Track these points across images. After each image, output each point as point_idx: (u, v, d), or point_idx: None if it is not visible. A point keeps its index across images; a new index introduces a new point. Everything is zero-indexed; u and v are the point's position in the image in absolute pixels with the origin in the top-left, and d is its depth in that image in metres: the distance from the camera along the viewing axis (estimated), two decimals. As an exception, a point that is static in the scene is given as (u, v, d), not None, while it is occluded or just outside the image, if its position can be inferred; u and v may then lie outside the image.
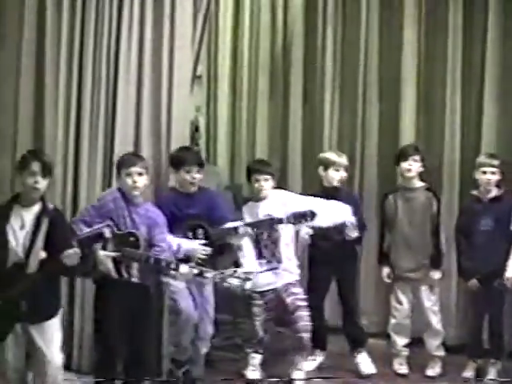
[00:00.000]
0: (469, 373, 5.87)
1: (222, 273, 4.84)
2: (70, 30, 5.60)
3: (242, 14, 7.61)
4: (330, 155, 6.03)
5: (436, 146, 6.65)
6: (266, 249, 5.61)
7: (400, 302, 5.98)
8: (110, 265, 4.81)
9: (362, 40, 6.87)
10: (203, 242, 5.29)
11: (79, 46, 5.61)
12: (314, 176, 6.10)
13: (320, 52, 7.01)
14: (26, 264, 4.43)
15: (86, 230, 4.81)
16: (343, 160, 5.96)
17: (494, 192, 5.75)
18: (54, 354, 4.58)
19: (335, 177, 5.90)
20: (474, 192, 5.87)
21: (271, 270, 5.59)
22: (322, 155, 6.11)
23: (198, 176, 5.40)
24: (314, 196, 5.69)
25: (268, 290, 5.62)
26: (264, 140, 7.42)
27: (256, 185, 5.67)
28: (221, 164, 7.40)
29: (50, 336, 4.58)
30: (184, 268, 4.80)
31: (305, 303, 5.60)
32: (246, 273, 4.90)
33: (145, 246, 4.92)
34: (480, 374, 5.84)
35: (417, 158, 5.92)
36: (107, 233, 4.76)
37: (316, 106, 7.05)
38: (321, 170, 5.96)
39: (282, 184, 6.15)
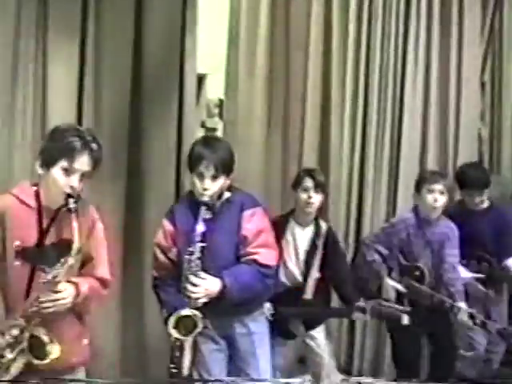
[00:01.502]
0: None
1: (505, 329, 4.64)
2: (357, 33, 5.64)
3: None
4: None
5: None
6: None
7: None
8: (392, 294, 4.76)
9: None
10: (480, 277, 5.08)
11: (366, 50, 5.64)
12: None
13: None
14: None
15: (377, 257, 4.79)
16: None
17: None
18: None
19: None
20: None
21: None
22: None
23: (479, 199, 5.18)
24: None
25: None
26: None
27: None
28: (505, 172, 7.11)
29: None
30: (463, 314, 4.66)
31: None
32: None
33: (430, 281, 4.82)
34: None
35: None
36: (405, 320, 4.45)
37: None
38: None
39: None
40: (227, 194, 3.81)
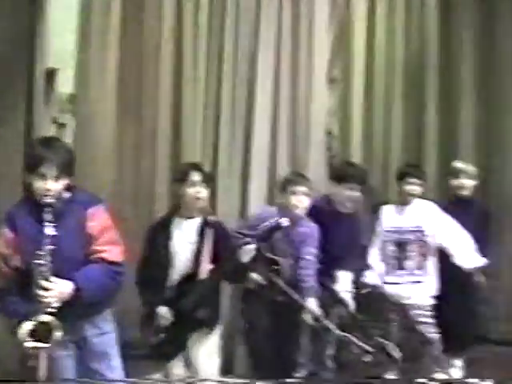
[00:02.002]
0: None
1: (346, 337, 4.67)
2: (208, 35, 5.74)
3: (376, 15, 7.53)
4: (457, 163, 5.87)
5: None
6: (411, 260, 5.49)
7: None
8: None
9: (499, 42, 6.69)
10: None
11: (218, 51, 5.73)
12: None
13: (456, 53, 6.89)
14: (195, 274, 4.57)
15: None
16: (470, 168, 5.79)
17: None
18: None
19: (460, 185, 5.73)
20: None
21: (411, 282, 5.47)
22: (452, 164, 5.96)
23: (357, 195, 5.29)
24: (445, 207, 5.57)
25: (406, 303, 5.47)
26: (398, 145, 7.33)
27: (407, 187, 5.54)
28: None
29: (213, 343, 4.70)
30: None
31: (428, 319, 5.45)
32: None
33: (288, 277, 4.93)
34: None
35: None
36: (285, 222, 4.78)
37: (452, 113, 6.91)
38: (450, 178, 5.82)
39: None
40: (68, 194, 3.78)
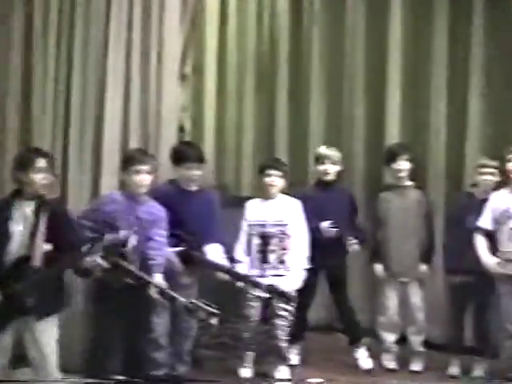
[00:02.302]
0: (453, 369, 5.92)
1: (192, 303, 4.69)
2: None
3: (227, 13, 7.65)
4: (321, 149, 6.08)
5: (421, 144, 6.68)
6: (274, 254, 5.60)
7: (389, 299, 6.03)
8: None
9: (348, 40, 6.91)
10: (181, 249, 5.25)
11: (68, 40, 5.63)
12: (301, 174, 6.13)
13: (306, 51, 7.07)
14: (30, 257, 4.47)
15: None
16: (334, 153, 6.00)
17: (490, 193, 5.75)
18: (50, 351, 4.60)
19: (324, 170, 5.95)
20: (470, 190, 5.96)
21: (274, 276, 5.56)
22: (316, 150, 6.15)
23: (198, 173, 5.37)
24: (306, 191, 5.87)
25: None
26: (250, 139, 7.47)
27: (267, 179, 5.66)
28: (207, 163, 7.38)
29: (50, 333, 4.59)
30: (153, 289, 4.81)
31: (286, 313, 5.60)
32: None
33: (134, 258, 4.93)
34: (466, 370, 5.90)
35: (407, 157, 5.96)
36: (133, 241, 4.83)
37: (302, 104, 7.10)
38: (315, 164, 6.03)
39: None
40: None
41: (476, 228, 5.61)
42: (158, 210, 5.10)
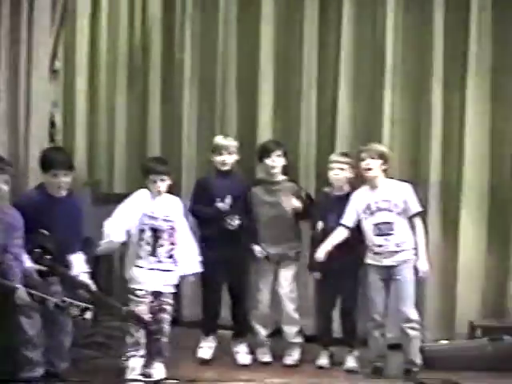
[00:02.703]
0: (323, 361, 6.04)
1: (64, 301, 4.65)
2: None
3: (100, 8, 7.57)
4: (218, 139, 6.11)
5: (292, 140, 6.73)
6: (162, 248, 5.59)
7: (262, 293, 6.10)
8: None
9: (220, 37, 6.94)
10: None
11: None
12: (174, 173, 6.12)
13: (178, 49, 7.07)
14: None
15: None
16: (231, 143, 6.04)
17: (345, 189, 5.95)
18: None
19: (221, 160, 5.99)
20: (326, 189, 6.10)
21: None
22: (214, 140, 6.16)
23: (65, 180, 5.23)
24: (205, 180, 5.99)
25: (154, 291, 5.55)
26: (123, 135, 7.42)
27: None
28: (79, 159, 7.30)
29: None
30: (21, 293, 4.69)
31: (170, 307, 5.62)
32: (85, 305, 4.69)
33: None
34: (338, 361, 6.04)
35: (280, 153, 6.04)
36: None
37: (175, 103, 7.10)
38: (212, 155, 6.05)
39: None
40: None
41: (339, 225, 5.78)
42: (15, 218, 4.93)
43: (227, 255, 5.89)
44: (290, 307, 6.09)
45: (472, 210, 6.41)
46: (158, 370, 5.62)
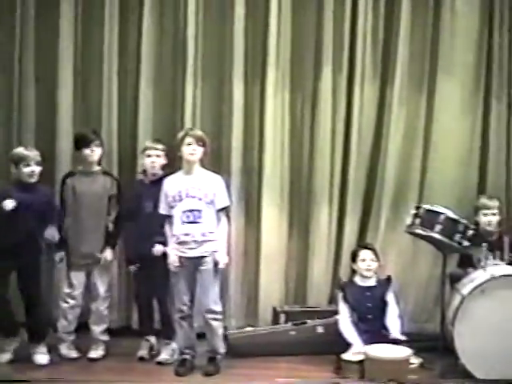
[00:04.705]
0: (143, 351, 6.04)
1: None
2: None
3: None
4: (20, 151, 5.83)
5: (94, 126, 6.50)
6: None
7: (74, 288, 5.98)
8: None
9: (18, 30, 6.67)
10: None
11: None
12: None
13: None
14: None
15: None
16: (35, 154, 5.79)
17: (159, 174, 5.96)
18: None
19: (28, 172, 5.73)
20: (140, 176, 6.12)
21: None
22: (13, 151, 5.88)
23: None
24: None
25: None
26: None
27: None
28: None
29: None
30: None
31: None
32: None
33: None
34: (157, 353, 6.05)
35: (98, 143, 5.96)
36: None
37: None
38: (13, 167, 5.77)
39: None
40: None
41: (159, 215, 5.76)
42: None
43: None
44: (101, 306, 6.03)
45: (273, 197, 6.57)
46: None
